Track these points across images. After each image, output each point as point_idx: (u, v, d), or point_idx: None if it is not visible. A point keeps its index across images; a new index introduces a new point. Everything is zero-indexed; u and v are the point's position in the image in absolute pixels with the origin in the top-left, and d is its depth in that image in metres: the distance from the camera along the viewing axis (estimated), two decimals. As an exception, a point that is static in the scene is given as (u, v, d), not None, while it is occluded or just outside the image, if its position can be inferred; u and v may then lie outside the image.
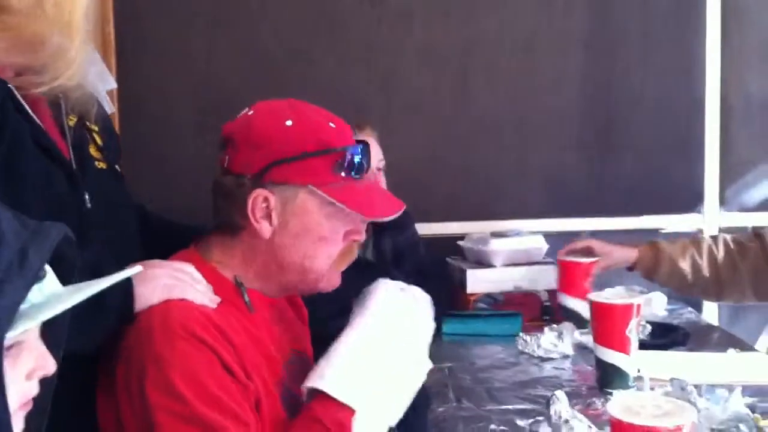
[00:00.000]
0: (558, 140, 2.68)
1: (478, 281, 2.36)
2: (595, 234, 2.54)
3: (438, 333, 2.17)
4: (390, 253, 2.23)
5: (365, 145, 1.28)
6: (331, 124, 1.25)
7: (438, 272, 2.45)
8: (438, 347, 2.09)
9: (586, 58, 2.67)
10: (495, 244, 2.38)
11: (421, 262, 2.28)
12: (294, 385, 1.22)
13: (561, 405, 1.51)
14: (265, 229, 1.20)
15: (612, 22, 2.69)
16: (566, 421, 1.47)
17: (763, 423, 1.44)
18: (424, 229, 2.47)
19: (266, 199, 1.19)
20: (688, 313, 2.42)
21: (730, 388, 1.57)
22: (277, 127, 1.21)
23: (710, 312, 2.70)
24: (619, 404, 1.10)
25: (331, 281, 1.28)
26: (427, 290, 2.27)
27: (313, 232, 1.22)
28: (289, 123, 1.21)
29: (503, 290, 2.35)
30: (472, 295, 2.35)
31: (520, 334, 2.07)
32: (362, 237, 1.29)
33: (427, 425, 1.58)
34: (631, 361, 1.68)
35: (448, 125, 2.65)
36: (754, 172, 2.70)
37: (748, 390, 1.65)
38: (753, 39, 2.70)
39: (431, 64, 2.63)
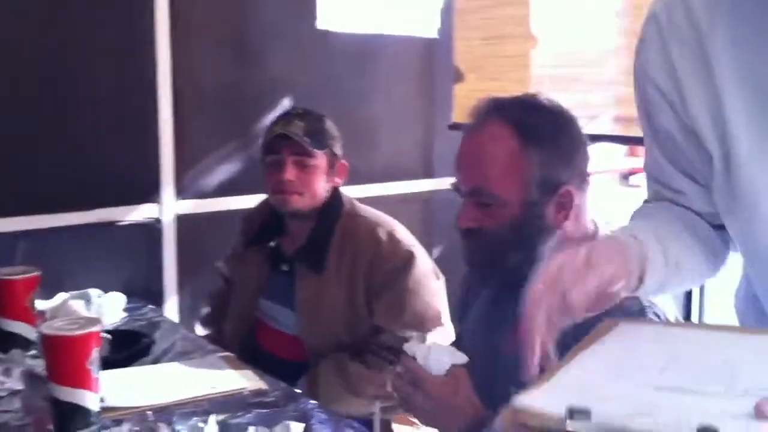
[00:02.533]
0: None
1: None
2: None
3: None
4: None
5: None
6: None
7: None
8: None
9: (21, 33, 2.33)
10: None
11: None
12: None
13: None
14: None
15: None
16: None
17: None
18: None
19: None
20: (150, 312, 2.29)
21: (205, 414, 1.49)
22: None
23: (171, 308, 2.62)
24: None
25: None
26: None
27: None
28: None
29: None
30: None
31: (-45, 372, 1.70)
32: None
33: None
34: (94, 396, 1.47)
35: None
36: (208, 159, 2.67)
37: (218, 404, 1.59)
38: (202, 22, 2.65)
39: None
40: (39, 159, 2.39)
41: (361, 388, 1.99)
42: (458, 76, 2.95)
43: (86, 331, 1.46)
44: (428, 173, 3.05)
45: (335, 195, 2.17)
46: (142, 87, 2.53)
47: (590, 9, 2.73)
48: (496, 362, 1.45)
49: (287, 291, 2.13)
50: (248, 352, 2.14)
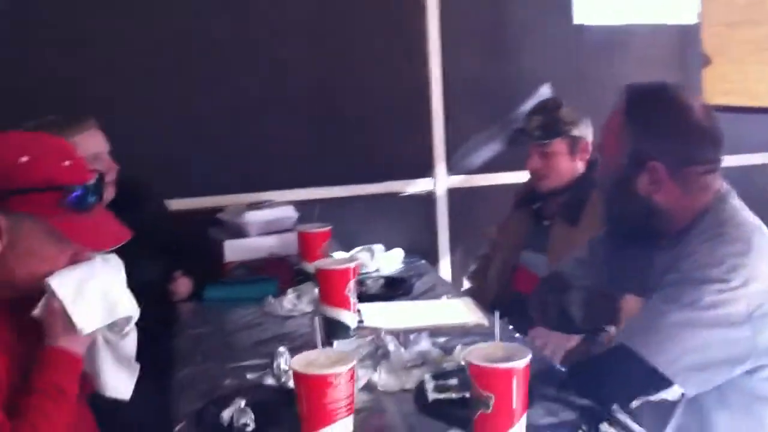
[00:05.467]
0: (301, 120, 2.98)
1: (234, 251, 2.61)
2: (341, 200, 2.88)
3: (199, 299, 2.45)
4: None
5: (97, 183, 1.46)
6: (66, 163, 1.43)
7: (197, 244, 2.68)
8: (197, 314, 2.36)
9: (312, 44, 2.98)
10: (249, 216, 2.64)
11: (169, 236, 2.47)
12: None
13: (282, 358, 1.80)
14: None
15: (335, 7, 2.97)
16: (286, 371, 1.76)
17: (441, 360, 1.79)
18: (185, 203, 2.71)
19: None
20: (422, 265, 2.81)
21: (431, 336, 1.92)
22: (11, 161, 1.39)
23: (444, 265, 3.12)
24: (301, 359, 1.39)
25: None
26: (187, 261, 2.51)
27: (37, 254, 1.39)
28: (24, 159, 1.39)
29: (259, 257, 2.61)
30: (229, 263, 2.60)
31: (269, 296, 2.34)
32: (87, 258, 1.46)
33: (168, 387, 1.82)
34: (351, 315, 1.99)
35: (194, 109, 2.87)
36: (472, 141, 3.12)
37: (443, 331, 2.01)
38: (466, 25, 3.09)
39: (154, 50, 2.82)
40: (339, 144, 3.02)
41: None
42: (705, 61, 3.03)
43: (345, 266, 1.98)
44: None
45: (593, 165, 2.49)
46: (418, 83, 3.05)
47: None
48: None
49: (544, 240, 2.51)
50: (504, 293, 2.59)
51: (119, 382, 1.55)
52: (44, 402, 1.35)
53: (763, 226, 1.61)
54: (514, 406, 1.32)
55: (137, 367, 1.58)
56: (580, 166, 2.50)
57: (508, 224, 2.69)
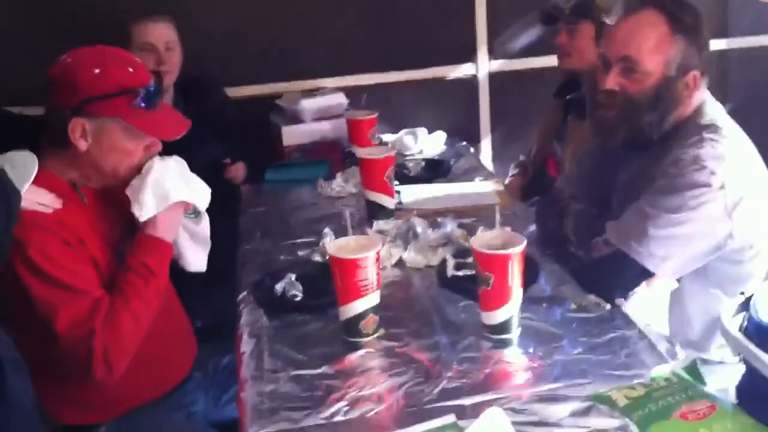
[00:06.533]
0: (350, 10, 3.16)
1: (291, 135, 2.88)
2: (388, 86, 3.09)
3: (261, 181, 2.75)
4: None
5: (157, 83, 1.72)
6: (130, 69, 1.69)
7: (259, 129, 2.96)
8: (258, 194, 2.67)
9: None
10: (304, 103, 2.89)
11: (233, 122, 2.78)
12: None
13: (327, 238, 2.09)
14: (82, 145, 1.67)
15: None
16: (331, 249, 2.05)
17: (464, 239, 2.06)
18: (246, 90, 2.98)
19: (83, 125, 1.65)
20: (462, 147, 3.02)
21: (459, 217, 2.18)
22: (87, 74, 1.65)
23: (485, 146, 3.34)
24: (335, 244, 1.68)
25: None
26: (249, 145, 2.81)
27: (118, 148, 1.70)
28: (96, 71, 1.65)
29: (313, 141, 2.88)
30: (288, 147, 2.88)
31: (320, 179, 2.62)
32: (158, 147, 1.76)
33: (236, 260, 2.14)
34: (390, 199, 2.26)
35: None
36: (515, 26, 3.24)
37: (473, 215, 2.26)
38: None
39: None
40: (386, 31, 3.20)
41: None
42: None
43: (383, 155, 2.24)
44: (723, 33, 3.28)
45: None
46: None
47: None
48: None
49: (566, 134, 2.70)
50: (539, 176, 2.82)
51: (197, 258, 1.90)
52: (135, 279, 1.67)
53: (737, 129, 1.79)
54: (510, 284, 1.57)
55: (209, 243, 1.91)
56: None
57: (548, 111, 2.88)
